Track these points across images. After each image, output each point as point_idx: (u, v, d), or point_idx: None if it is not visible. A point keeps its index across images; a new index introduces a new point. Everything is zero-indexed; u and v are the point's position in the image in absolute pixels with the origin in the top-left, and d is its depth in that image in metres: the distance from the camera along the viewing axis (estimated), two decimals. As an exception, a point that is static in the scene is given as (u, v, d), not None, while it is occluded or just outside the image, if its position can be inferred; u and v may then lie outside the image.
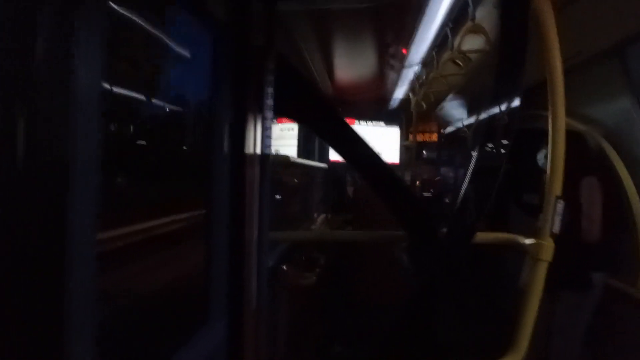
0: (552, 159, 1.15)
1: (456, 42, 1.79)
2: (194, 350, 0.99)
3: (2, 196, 0.43)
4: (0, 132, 0.43)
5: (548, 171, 1.17)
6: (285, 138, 3.41)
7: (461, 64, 1.95)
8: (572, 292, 1.75)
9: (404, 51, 2.30)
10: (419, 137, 4.54)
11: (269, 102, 1.14)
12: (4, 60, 0.43)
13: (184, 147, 1.29)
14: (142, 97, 1.08)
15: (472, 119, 3.67)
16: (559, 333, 1.76)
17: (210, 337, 1.07)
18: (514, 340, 1.18)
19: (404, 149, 4.59)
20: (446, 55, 2.04)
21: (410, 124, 4.05)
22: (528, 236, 1.23)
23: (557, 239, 1.17)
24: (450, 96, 3.29)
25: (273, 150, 1.24)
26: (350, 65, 2.75)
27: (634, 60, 1.65)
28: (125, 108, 1.01)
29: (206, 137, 1.12)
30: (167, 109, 1.21)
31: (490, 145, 1.30)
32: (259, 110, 1.15)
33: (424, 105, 3.29)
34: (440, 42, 2.11)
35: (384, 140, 4.45)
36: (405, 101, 3.70)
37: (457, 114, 3.98)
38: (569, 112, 1.19)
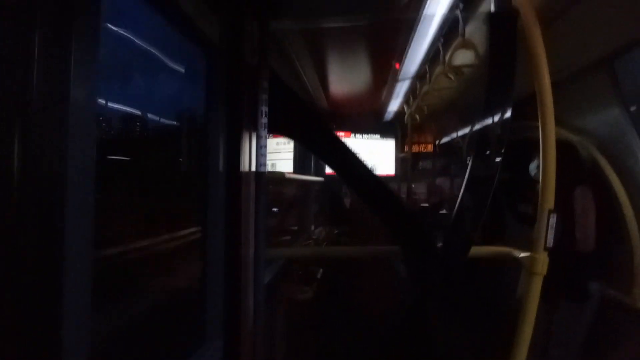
0: (544, 173, 1.17)
1: (447, 57, 1.82)
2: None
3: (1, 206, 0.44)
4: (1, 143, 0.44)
5: (540, 185, 1.18)
6: (281, 152, 3.42)
7: (452, 77, 1.97)
8: (569, 302, 1.75)
9: (397, 66, 2.33)
10: (414, 148, 4.57)
11: (264, 120, 1.15)
12: (5, 76, 0.44)
13: (180, 165, 1.30)
14: (138, 115, 1.09)
15: (465, 130, 3.71)
16: (556, 344, 1.76)
17: (208, 356, 1.06)
18: (512, 352, 1.18)
19: (400, 160, 4.62)
20: (438, 69, 2.07)
21: (405, 135, 4.09)
22: (523, 249, 1.24)
23: (552, 249, 1.18)
24: (443, 108, 3.33)
25: (269, 164, 1.25)
26: (345, 80, 2.78)
27: (623, 72, 1.69)
28: (121, 126, 1.01)
29: (202, 155, 1.13)
30: (163, 127, 1.22)
31: (484, 155, 1.31)
32: (254, 128, 1.16)
33: (418, 118, 3.32)
34: (432, 56, 2.14)
35: (379, 153, 4.48)
36: (400, 114, 3.73)
37: (451, 124, 4.02)
38: (562, 123, 1.21)
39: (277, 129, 1.20)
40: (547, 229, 1.14)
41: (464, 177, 1.28)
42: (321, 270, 2.48)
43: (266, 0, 1.15)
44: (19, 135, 0.46)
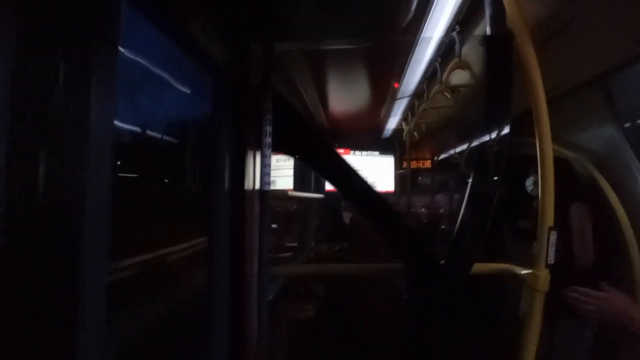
0: (543, 190, 1.19)
1: (444, 77, 1.87)
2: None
3: (21, 221, 0.46)
4: (24, 165, 0.47)
5: (540, 202, 1.20)
6: (281, 169, 3.45)
7: (449, 96, 2.02)
8: (570, 318, 1.74)
9: (395, 85, 2.39)
10: (413, 164, 4.62)
11: (268, 139, 1.18)
12: (27, 103, 0.47)
13: (185, 184, 1.31)
14: (147, 134, 1.11)
15: (463, 146, 3.76)
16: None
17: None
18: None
19: (399, 176, 4.65)
20: (435, 88, 2.12)
21: (404, 152, 4.14)
22: (524, 266, 1.25)
23: (552, 266, 1.19)
24: (440, 125, 3.38)
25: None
26: (345, 99, 2.83)
27: (616, 90, 1.74)
28: (131, 144, 1.04)
29: (207, 174, 1.15)
30: (171, 146, 1.24)
31: (484, 172, 1.34)
32: (258, 147, 1.18)
33: (416, 135, 3.37)
34: (430, 76, 2.20)
35: (378, 169, 4.52)
36: (398, 131, 3.79)
37: (448, 141, 4.07)
38: (557, 140, 1.24)
39: (281, 148, 1.23)
40: (548, 246, 1.16)
41: (462, 193, 1.30)
42: (322, 288, 2.47)
43: (270, 24, 1.19)
44: (44, 151, 0.49)
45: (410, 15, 1.38)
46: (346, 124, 3.58)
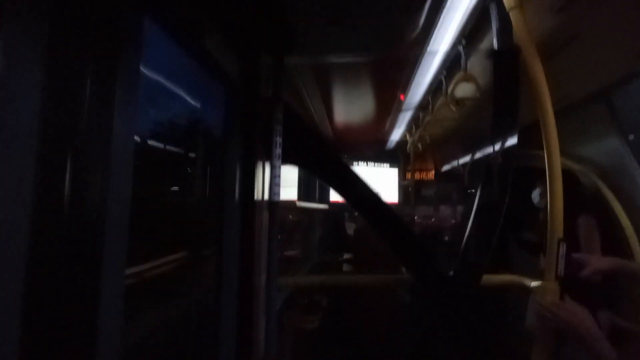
0: (551, 202, 1.19)
1: (449, 89, 1.89)
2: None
3: (47, 224, 0.49)
4: (51, 172, 0.49)
5: (548, 214, 1.20)
6: (286, 179, 3.46)
7: (454, 108, 2.04)
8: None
9: (401, 97, 2.41)
10: (417, 176, 4.63)
11: (278, 150, 1.19)
12: (55, 114, 0.50)
13: (196, 193, 1.33)
14: (160, 145, 1.13)
15: (466, 158, 3.78)
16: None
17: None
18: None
19: (402, 188, 4.66)
20: (440, 100, 2.14)
21: (408, 164, 4.15)
22: (528, 276, 1.25)
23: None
24: (444, 137, 3.40)
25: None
26: (350, 111, 2.85)
27: (621, 103, 1.76)
28: (146, 155, 1.05)
29: (218, 184, 1.16)
30: (183, 157, 1.26)
31: (492, 184, 1.34)
32: (268, 158, 1.20)
33: (420, 147, 3.39)
34: (435, 88, 2.22)
35: (382, 180, 4.53)
36: (403, 143, 3.80)
37: (452, 153, 4.09)
38: (563, 152, 1.25)
39: (290, 159, 1.24)
40: (558, 258, 1.16)
41: (465, 204, 1.30)
42: (326, 299, 2.46)
43: (280, 38, 1.22)
44: (70, 162, 0.51)
45: (418, 29, 1.40)
46: (351, 135, 3.61)
